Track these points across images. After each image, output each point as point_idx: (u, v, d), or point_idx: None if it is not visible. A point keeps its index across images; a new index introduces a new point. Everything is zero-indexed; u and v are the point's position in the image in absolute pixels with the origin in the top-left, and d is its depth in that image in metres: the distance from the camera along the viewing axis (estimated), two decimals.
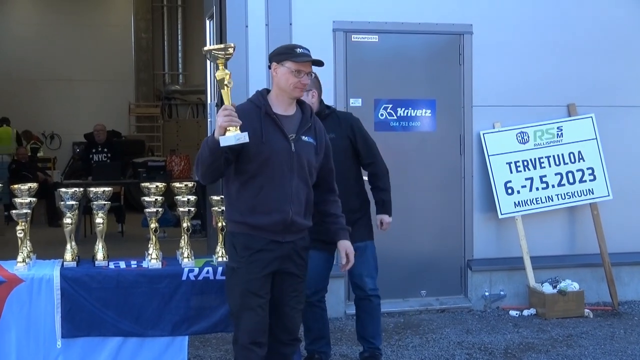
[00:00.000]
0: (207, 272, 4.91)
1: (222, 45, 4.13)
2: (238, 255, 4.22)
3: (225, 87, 4.01)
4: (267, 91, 4.36)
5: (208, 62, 8.85)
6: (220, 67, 4.02)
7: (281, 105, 4.27)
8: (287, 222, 4.17)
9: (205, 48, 4.13)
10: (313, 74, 4.60)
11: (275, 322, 4.32)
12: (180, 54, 21.04)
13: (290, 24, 7.22)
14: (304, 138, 4.26)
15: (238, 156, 4.08)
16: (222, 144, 3.87)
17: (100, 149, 12.89)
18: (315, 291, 5.54)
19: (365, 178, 5.84)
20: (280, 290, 4.29)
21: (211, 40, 8.37)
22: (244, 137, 3.88)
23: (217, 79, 4.03)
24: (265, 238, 4.17)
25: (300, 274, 4.35)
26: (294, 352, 4.46)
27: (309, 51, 4.26)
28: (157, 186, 5.13)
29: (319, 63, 4.29)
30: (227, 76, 4.00)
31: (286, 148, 4.18)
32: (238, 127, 3.90)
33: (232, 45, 4.08)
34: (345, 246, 4.48)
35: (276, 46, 7.03)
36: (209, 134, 8.86)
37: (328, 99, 5.80)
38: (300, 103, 4.39)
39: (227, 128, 3.89)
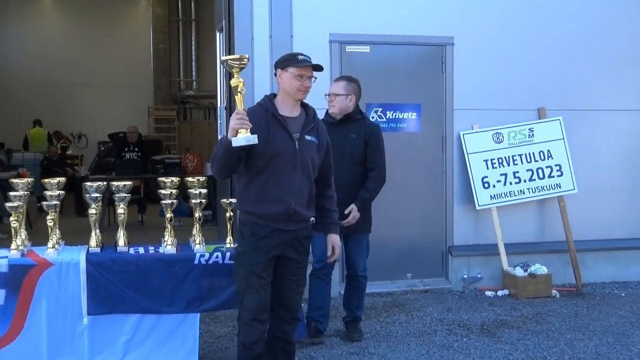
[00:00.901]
0: (217, 256, 4.94)
1: (237, 56, 4.09)
2: (245, 241, 4.22)
3: (239, 94, 4.00)
4: (275, 95, 4.34)
5: (218, 70, 8.87)
6: (235, 75, 4.02)
7: (287, 107, 4.26)
8: (289, 212, 4.16)
9: (222, 58, 4.22)
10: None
11: (278, 303, 4.31)
12: (194, 63, 21.02)
13: (291, 36, 7.22)
14: (307, 137, 4.25)
15: (248, 154, 4.09)
16: (234, 145, 3.90)
17: (131, 148, 13.04)
18: (322, 266, 5.71)
19: None
20: (282, 275, 4.28)
21: (221, 50, 8.37)
22: (254, 139, 3.92)
23: (232, 85, 4.02)
24: (269, 226, 4.16)
25: (301, 260, 4.33)
26: (294, 330, 4.44)
27: (310, 58, 4.25)
28: (172, 180, 5.17)
29: (319, 68, 4.27)
30: (241, 84, 4.01)
31: (291, 146, 4.16)
32: (249, 130, 3.92)
33: (247, 56, 4.08)
34: (332, 240, 4.52)
35: (278, 56, 7.06)
36: (219, 135, 8.92)
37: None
38: (304, 105, 4.37)
39: (239, 130, 3.92)
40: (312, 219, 4.35)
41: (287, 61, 4.25)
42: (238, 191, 4.36)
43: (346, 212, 5.54)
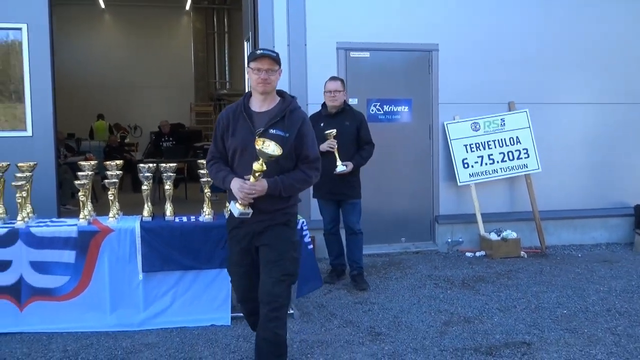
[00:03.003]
0: None
1: (271, 153, 3.36)
2: (227, 232, 3.82)
3: (256, 176, 3.42)
4: (252, 93, 3.73)
5: (246, 73, 8.84)
6: (260, 162, 3.38)
7: (257, 102, 3.65)
8: (255, 206, 3.53)
9: (258, 146, 3.35)
10: (279, 70, 3.64)
11: (260, 289, 3.61)
12: (227, 67, 20.99)
13: (305, 44, 7.18)
14: (272, 131, 3.52)
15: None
16: (230, 209, 3.54)
17: (167, 138, 13.03)
18: (332, 226, 6.12)
19: None
20: (261, 259, 3.64)
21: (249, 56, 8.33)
22: (248, 214, 3.50)
23: (254, 169, 3.40)
24: (237, 219, 3.57)
25: (277, 243, 3.60)
26: (272, 319, 3.57)
27: (272, 52, 3.60)
28: None
29: (274, 57, 3.57)
30: (261, 170, 3.39)
31: (251, 141, 3.48)
32: (248, 206, 3.50)
33: (280, 152, 3.39)
34: (259, 181, 3.47)
35: (296, 61, 7.07)
36: None
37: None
38: (283, 97, 3.69)
39: (240, 202, 3.49)
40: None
41: (248, 58, 3.65)
42: None
43: (344, 168, 5.81)
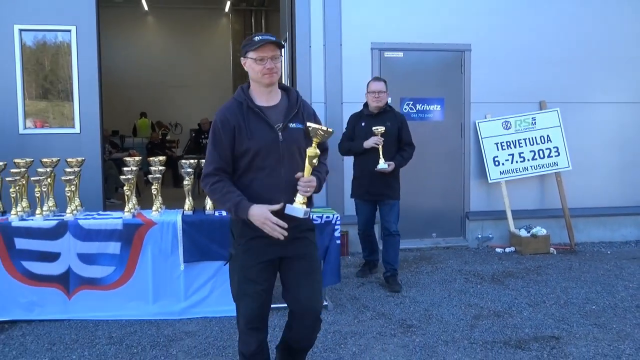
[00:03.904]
0: None
1: (325, 128, 2.99)
2: (235, 242, 3.10)
3: (312, 164, 2.99)
4: (249, 86, 3.16)
5: (283, 73, 8.90)
6: (313, 145, 2.97)
7: (262, 96, 3.08)
8: (281, 211, 2.94)
9: (310, 125, 2.99)
10: (281, 57, 3.09)
11: (295, 304, 3.15)
12: None
13: (341, 45, 7.20)
14: (292, 125, 3.04)
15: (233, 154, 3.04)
16: (287, 212, 2.93)
17: (206, 135, 13.14)
18: (367, 228, 6.08)
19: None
20: (291, 273, 3.13)
21: (285, 57, 8.40)
22: (309, 211, 3.02)
23: (308, 154, 2.97)
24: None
25: (308, 252, 3.13)
26: (315, 329, 3.21)
27: (271, 36, 3.02)
28: None
29: (276, 41, 3.01)
30: (317, 156, 2.99)
31: (274, 139, 2.98)
32: (304, 201, 2.97)
33: (332, 130, 3.04)
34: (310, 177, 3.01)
35: (331, 61, 7.04)
36: None
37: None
38: (286, 90, 3.19)
39: (300, 198, 2.97)
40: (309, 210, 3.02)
41: (245, 47, 3.07)
42: None
43: (385, 166, 5.72)
